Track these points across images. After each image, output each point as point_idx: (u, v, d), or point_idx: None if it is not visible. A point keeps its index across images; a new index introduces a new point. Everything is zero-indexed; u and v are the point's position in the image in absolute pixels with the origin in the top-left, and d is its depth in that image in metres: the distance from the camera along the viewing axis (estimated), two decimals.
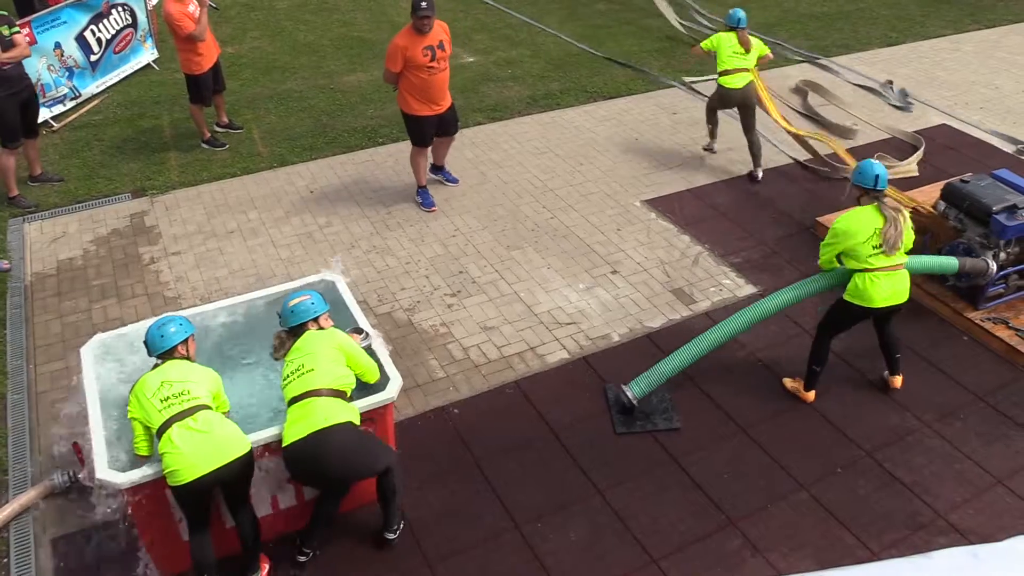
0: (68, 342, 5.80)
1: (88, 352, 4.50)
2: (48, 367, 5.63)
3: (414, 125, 7.03)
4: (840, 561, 4.29)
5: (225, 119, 8.75)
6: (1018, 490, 4.69)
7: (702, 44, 7.77)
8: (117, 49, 9.92)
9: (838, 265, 5.03)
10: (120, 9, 9.88)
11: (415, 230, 7.09)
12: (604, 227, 7.11)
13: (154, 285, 6.42)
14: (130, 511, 4.00)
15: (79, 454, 4.61)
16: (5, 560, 4.36)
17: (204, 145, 8.43)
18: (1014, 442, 5.00)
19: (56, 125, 8.88)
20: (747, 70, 7.49)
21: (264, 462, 4.14)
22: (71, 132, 8.84)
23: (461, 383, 5.47)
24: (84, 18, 9.35)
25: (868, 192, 4.84)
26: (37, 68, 8.45)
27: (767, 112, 8.02)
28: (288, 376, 4.16)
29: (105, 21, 9.64)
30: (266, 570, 4.20)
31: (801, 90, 9.60)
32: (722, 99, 7.67)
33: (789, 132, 8.10)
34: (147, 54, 10.52)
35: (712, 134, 8.16)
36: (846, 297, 4.93)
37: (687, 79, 9.80)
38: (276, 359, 4.35)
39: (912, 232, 4.92)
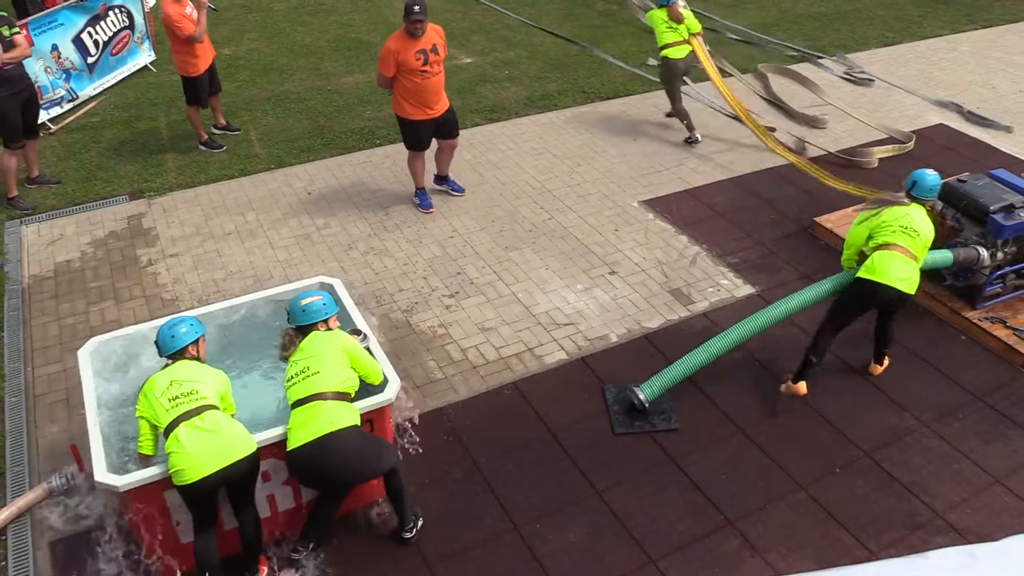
0: (66, 344, 5.80)
1: (85, 354, 4.49)
2: (45, 369, 5.62)
3: (408, 129, 7.00)
4: (838, 561, 4.30)
5: (222, 120, 8.74)
6: (1016, 489, 4.69)
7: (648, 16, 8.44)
8: (114, 51, 9.91)
9: (853, 265, 5.26)
10: (117, 11, 9.87)
11: (413, 231, 7.09)
12: (602, 228, 7.11)
13: (152, 287, 6.41)
14: (128, 514, 4.00)
15: (77, 456, 4.60)
16: (3, 563, 4.35)
17: (201, 147, 8.42)
18: (1012, 441, 5.01)
19: (53, 127, 8.87)
20: (685, 41, 8.09)
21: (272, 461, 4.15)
22: (68, 134, 8.84)
23: (459, 384, 5.47)
24: (81, 20, 9.34)
25: (909, 195, 5.24)
26: (34, 70, 8.44)
27: (712, 81, 8.48)
28: (293, 377, 4.15)
29: (102, 23, 9.64)
30: (264, 572, 4.19)
31: (762, 75, 9.83)
32: (671, 71, 8.17)
33: (732, 106, 8.44)
34: (144, 56, 10.52)
35: (689, 126, 8.43)
36: (859, 274, 5.05)
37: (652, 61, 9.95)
38: (283, 358, 4.35)
39: (933, 224, 5.16)
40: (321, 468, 4.01)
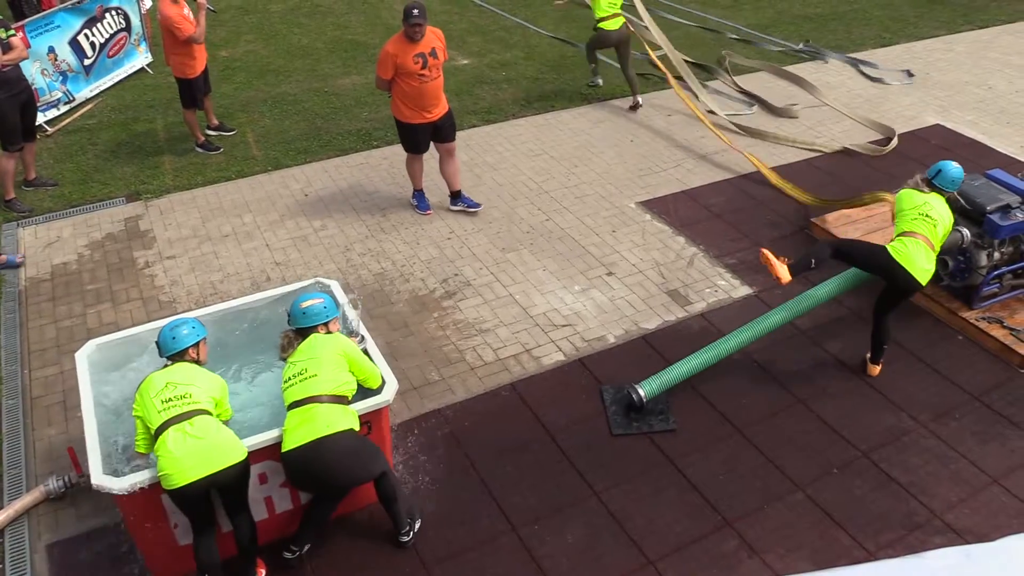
0: (62, 347, 5.79)
1: (83, 357, 4.49)
2: (42, 372, 5.61)
3: (406, 132, 6.99)
4: (836, 561, 4.30)
5: (215, 121, 8.73)
6: (1014, 489, 4.69)
7: None
8: (111, 53, 9.91)
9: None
10: (114, 13, 9.87)
11: (410, 233, 7.09)
12: (599, 229, 7.11)
13: (149, 289, 6.41)
14: (125, 516, 4.00)
15: (74, 459, 4.59)
16: (0, 566, 4.35)
17: (198, 149, 8.41)
18: (1009, 441, 5.01)
19: (50, 129, 8.86)
20: (619, 14, 8.91)
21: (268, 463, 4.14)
22: (65, 136, 8.83)
23: (457, 386, 5.46)
24: (78, 22, 9.34)
25: (930, 183, 5.35)
26: (31, 72, 8.44)
27: (647, 49, 9.59)
28: (290, 379, 4.15)
29: (99, 25, 9.64)
30: (263, 575, 4.19)
31: (723, 57, 10.31)
32: (601, 40, 9.17)
33: (652, 62, 9.52)
34: (141, 58, 10.52)
35: (594, 71, 9.72)
36: (890, 248, 5.12)
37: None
38: (282, 359, 4.35)
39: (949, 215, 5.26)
40: (315, 470, 4.01)
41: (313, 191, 7.74)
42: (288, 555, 4.24)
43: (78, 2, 9.35)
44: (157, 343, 4.14)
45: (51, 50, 8.99)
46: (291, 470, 4.07)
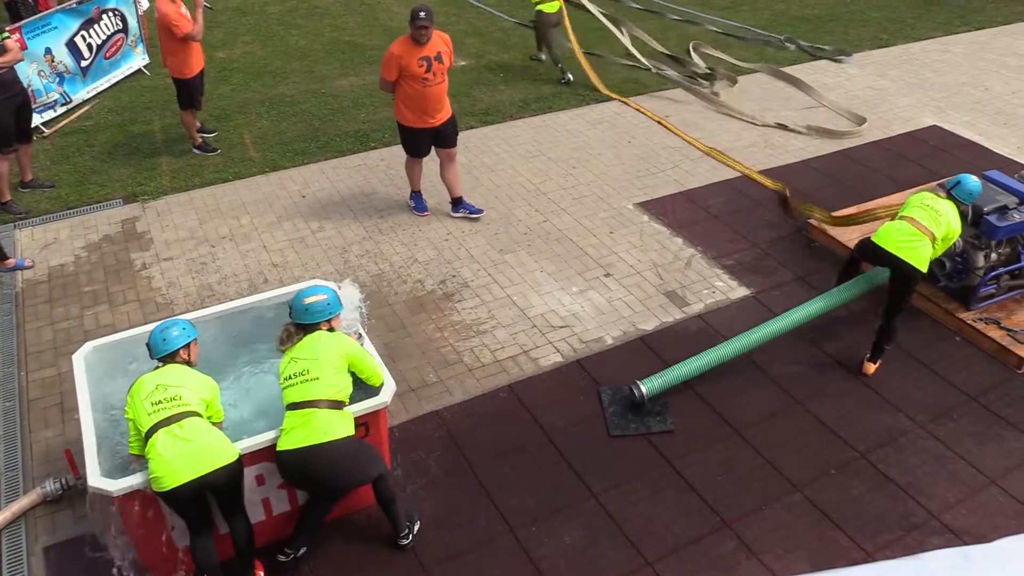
0: (60, 349, 5.78)
1: (80, 359, 4.48)
2: (39, 374, 5.60)
3: (407, 136, 6.97)
4: (834, 562, 4.30)
5: (197, 123, 8.67)
6: (1011, 490, 4.70)
7: None
8: (108, 54, 9.90)
9: None
10: (111, 14, 9.86)
11: (408, 234, 7.08)
12: (597, 230, 7.11)
13: (146, 291, 6.40)
14: (122, 518, 3.98)
15: (71, 462, 4.58)
16: None
17: (196, 150, 8.40)
18: (1007, 442, 5.02)
19: (47, 131, 8.85)
20: None
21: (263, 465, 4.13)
22: (62, 138, 8.81)
23: (455, 387, 5.46)
24: (75, 24, 9.32)
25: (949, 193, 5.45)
26: (27, 74, 8.43)
27: (566, 33, 10.17)
28: (291, 378, 4.12)
29: (96, 26, 9.62)
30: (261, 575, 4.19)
31: (697, 46, 10.91)
32: (545, 22, 10.00)
33: (577, 53, 10.06)
34: (138, 59, 10.50)
35: (562, 70, 10.03)
36: (871, 236, 5.31)
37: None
38: (280, 351, 4.31)
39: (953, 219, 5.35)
40: (310, 473, 4.01)
41: (310, 193, 7.73)
42: (283, 558, 4.22)
43: (75, 4, 9.33)
44: (148, 345, 4.11)
45: (48, 52, 8.97)
46: (286, 469, 4.05)
